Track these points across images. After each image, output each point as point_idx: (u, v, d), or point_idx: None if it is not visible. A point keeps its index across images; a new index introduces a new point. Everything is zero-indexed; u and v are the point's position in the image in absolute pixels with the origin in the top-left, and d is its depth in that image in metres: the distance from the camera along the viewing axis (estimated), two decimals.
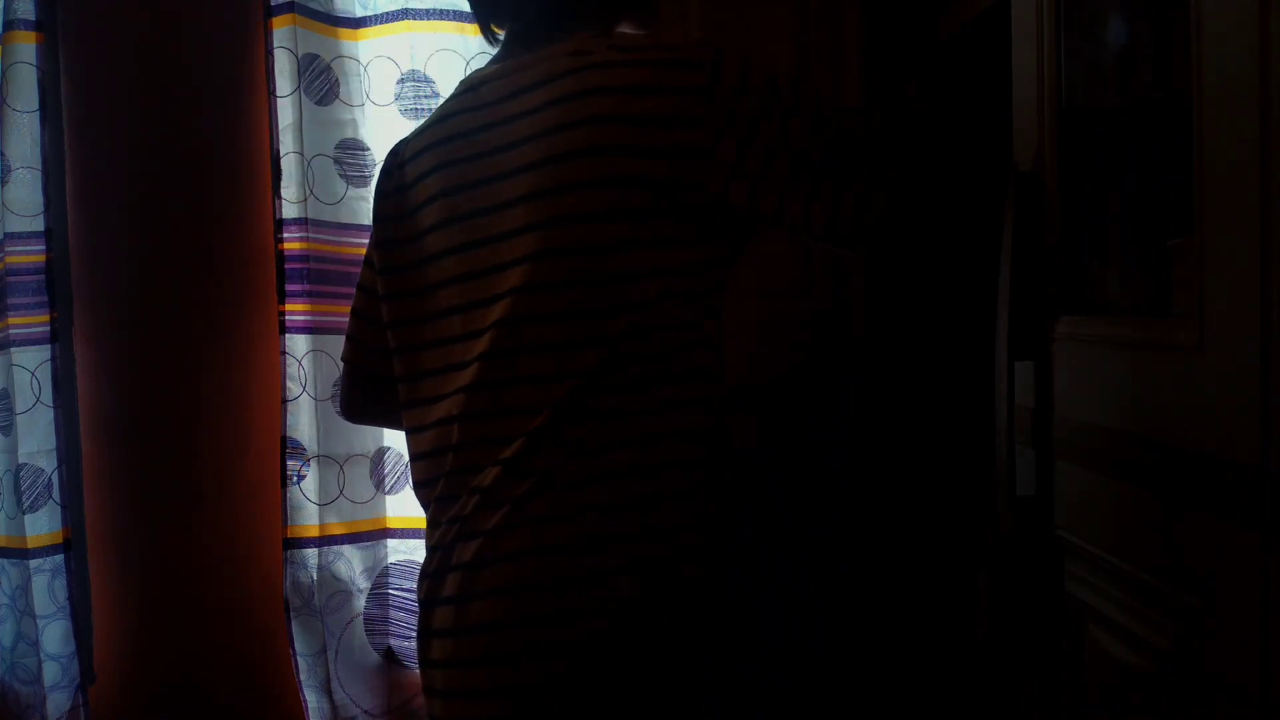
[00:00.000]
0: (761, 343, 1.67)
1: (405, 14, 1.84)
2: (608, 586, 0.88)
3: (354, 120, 1.84)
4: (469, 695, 0.91)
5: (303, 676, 1.82)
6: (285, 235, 1.81)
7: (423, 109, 1.83)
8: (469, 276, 0.96)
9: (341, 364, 1.21)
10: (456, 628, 0.91)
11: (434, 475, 0.98)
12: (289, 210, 1.81)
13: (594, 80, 0.91)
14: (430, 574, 0.95)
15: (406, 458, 1.24)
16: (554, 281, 0.91)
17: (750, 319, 1.67)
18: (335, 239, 1.83)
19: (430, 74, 1.84)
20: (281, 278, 1.81)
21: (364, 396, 1.18)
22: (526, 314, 0.92)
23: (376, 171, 1.82)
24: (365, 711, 1.84)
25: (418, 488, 1.02)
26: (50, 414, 1.80)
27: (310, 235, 1.81)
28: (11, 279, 1.78)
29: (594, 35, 0.98)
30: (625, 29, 1.07)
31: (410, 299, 1.03)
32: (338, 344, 1.83)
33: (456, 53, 1.83)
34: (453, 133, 1.00)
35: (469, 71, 1.78)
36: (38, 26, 1.78)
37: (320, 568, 1.82)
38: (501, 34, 1.07)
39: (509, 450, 0.90)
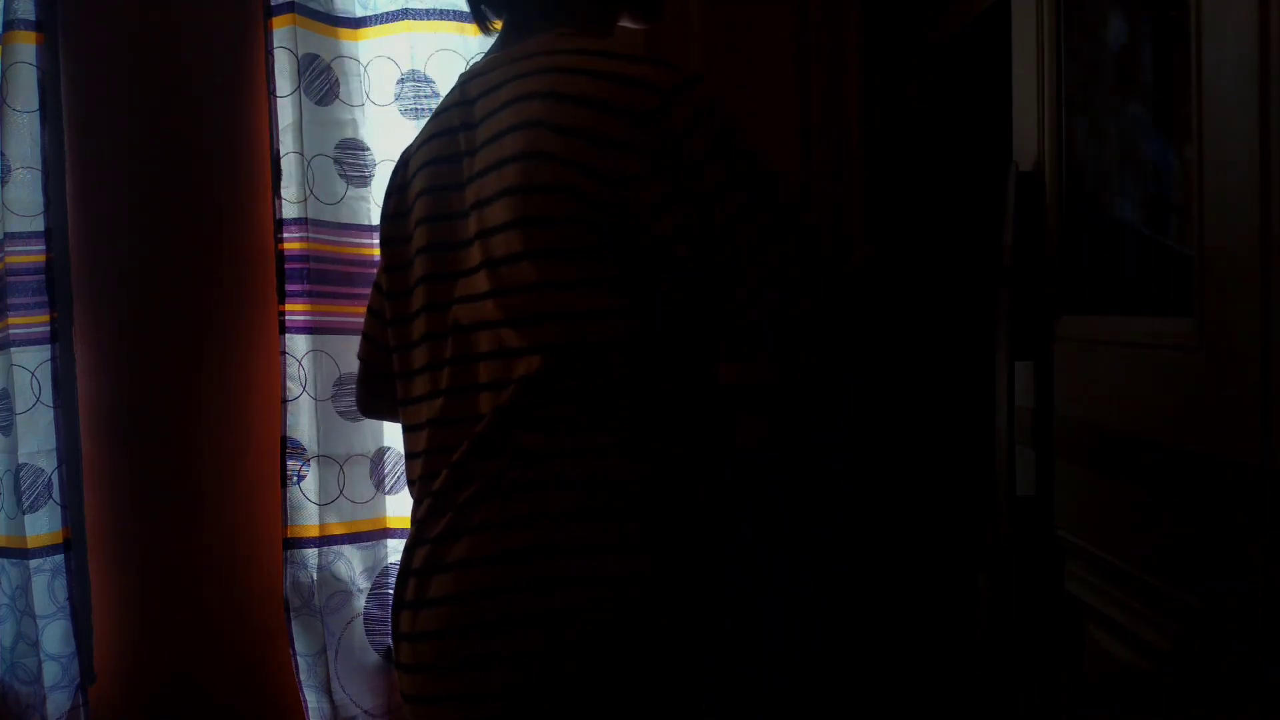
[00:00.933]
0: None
1: (405, 14, 1.83)
2: (552, 597, 0.86)
3: (354, 120, 1.84)
4: (427, 701, 0.91)
5: (303, 676, 1.82)
6: (285, 235, 1.81)
7: (423, 109, 1.83)
8: (440, 278, 0.97)
9: (357, 361, 1.20)
10: (412, 633, 0.91)
11: (412, 477, 1.00)
12: (289, 210, 1.81)
13: (551, 84, 0.89)
14: (398, 576, 0.96)
15: None
16: (499, 288, 0.90)
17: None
18: (335, 239, 1.83)
19: (430, 74, 1.84)
20: (281, 278, 1.81)
21: (376, 393, 1.18)
22: (480, 321, 0.92)
23: (376, 171, 1.84)
24: (365, 711, 1.84)
25: (408, 485, 1.03)
26: (50, 414, 1.79)
27: (310, 235, 1.81)
28: (11, 279, 1.78)
29: (574, 34, 0.95)
30: (627, 24, 1.06)
31: (403, 297, 1.03)
32: (338, 344, 1.84)
33: (456, 53, 1.83)
34: (440, 129, 1.01)
35: None
36: (38, 26, 1.78)
37: (320, 568, 1.82)
38: (498, 27, 1.06)
39: (457, 455, 0.91)
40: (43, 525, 1.79)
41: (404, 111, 1.84)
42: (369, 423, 1.85)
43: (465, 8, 1.77)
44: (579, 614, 0.86)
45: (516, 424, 0.89)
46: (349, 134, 1.84)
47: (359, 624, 1.84)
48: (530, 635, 0.85)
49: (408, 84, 1.84)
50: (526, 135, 0.89)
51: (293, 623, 1.81)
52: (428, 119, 1.06)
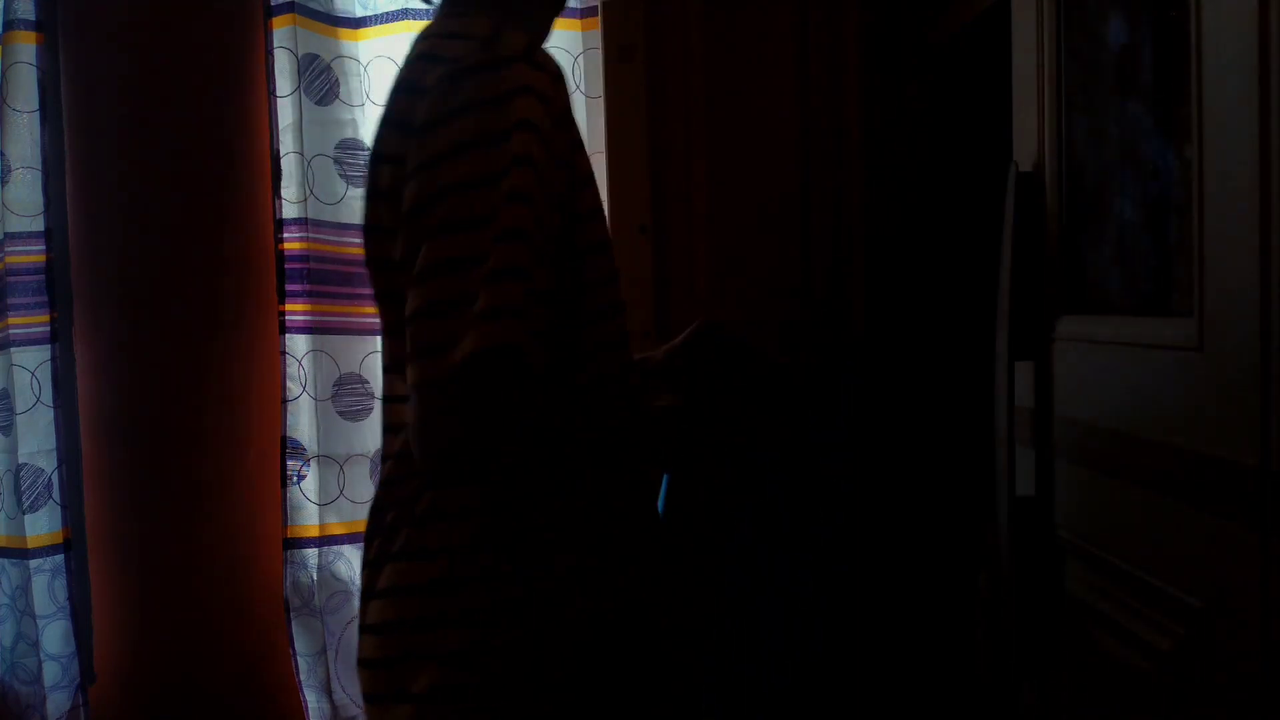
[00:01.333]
0: (761, 341, 1.67)
1: (405, 14, 1.84)
2: (442, 633, 0.80)
3: (354, 120, 1.84)
4: None
5: (303, 676, 1.82)
6: (285, 235, 1.81)
7: None
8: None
9: None
10: (359, 659, 0.88)
11: None
12: (289, 210, 1.81)
13: (401, 75, 0.84)
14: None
15: None
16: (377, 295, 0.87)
17: (750, 318, 1.67)
18: (335, 239, 1.83)
19: None
20: (281, 278, 1.81)
21: None
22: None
23: None
24: (365, 711, 1.84)
25: None
26: (50, 414, 1.79)
27: (310, 235, 1.81)
28: (11, 279, 1.78)
29: (456, 14, 0.86)
30: None
31: None
32: (338, 344, 1.84)
33: None
34: None
35: None
36: (38, 26, 1.78)
37: (320, 568, 1.82)
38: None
39: (385, 470, 0.87)
40: (43, 525, 1.79)
41: None
42: (369, 422, 1.85)
43: None
44: (491, 650, 0.79)
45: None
46: (349, 134, 1.84)
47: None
48: (440, 672, 0.79)
49: None
50: (376, 134, 0.84)
51: (293, 623, 1.81)
52: None
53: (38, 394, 1.79)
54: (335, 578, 1.83)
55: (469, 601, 0.79)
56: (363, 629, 0.86)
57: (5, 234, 1.78)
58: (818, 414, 1.68)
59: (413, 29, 1.83)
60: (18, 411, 1.78)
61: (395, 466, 0.85)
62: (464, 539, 0.80)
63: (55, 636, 1.79)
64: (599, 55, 1.66)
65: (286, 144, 1.80)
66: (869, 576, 1.67)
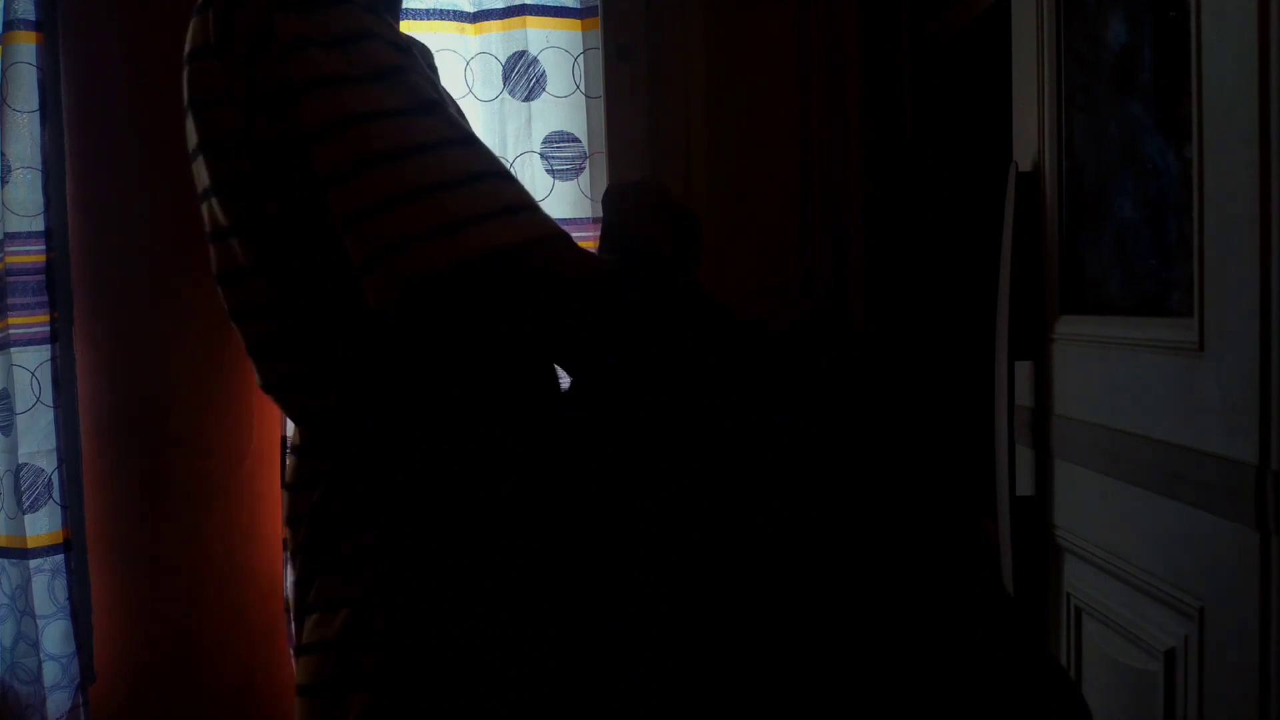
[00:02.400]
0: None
1: (405, 14, 1.83)
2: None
3: None
4: None
5: None
6: None
7: None
8: None
9: None
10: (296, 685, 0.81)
11: None
12: None
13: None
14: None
15: None
16: None
17: (749, 317, 1.67)
18: None
19: None
20: None
21: None
22: None
23: None
24: None
25: None
26: (50, 414, 1.79)
27: None
28: (11, 279, 1.78)
29: None
30: None
31: None
32: None
33: (456, 53, 1.83)
34: None
35: (468, 71, 1.78)
36: (38, 26, 1.78)
37: None
38: None
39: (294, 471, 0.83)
40: (43, 525, 1.79)
41: None
42: None
43: (466, 7, 1.78)
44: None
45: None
46: None
47: None
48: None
49: None
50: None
51: (292, 624, 1.81)
52: None
53: (38, 394, 1.79)
54: None
55: (376, 655, 0.73)
56: (299, 648, 0.79)
57: (5, 234, 1.78)
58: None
59: (413, 29, 1.83)
60: (18, 411, 1.78)
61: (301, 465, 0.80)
62: (363, 590, 0.74)
63: (55, 636, 1.78)
64: (599, 55, 1.66)
65: None
66: (868, 576, 1.67)
